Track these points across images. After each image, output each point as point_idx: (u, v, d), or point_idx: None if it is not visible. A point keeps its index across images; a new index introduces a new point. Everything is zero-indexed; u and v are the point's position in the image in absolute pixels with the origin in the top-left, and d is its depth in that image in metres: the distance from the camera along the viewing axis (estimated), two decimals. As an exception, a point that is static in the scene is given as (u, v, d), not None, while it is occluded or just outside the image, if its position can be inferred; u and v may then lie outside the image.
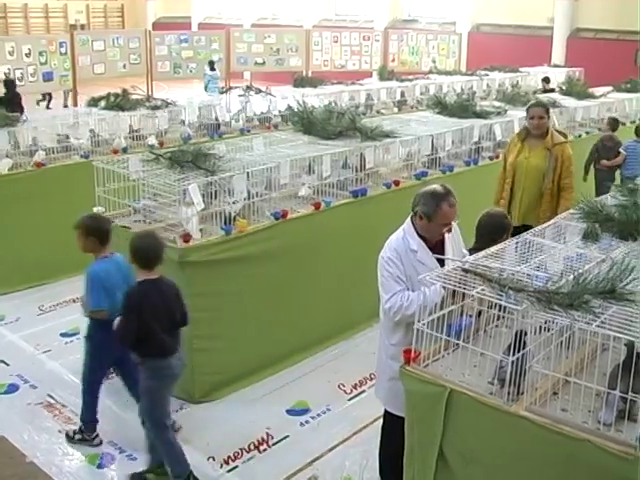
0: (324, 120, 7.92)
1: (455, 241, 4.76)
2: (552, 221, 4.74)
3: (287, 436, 5.75)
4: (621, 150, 11.16)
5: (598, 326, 3.25)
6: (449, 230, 4.63)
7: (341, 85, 14.04)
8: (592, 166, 11.24)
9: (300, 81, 13.87)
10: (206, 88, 20.37)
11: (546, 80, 17.76)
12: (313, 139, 7.62)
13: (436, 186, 4.66)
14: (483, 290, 3.54)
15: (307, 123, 7.91)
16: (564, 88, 14.13)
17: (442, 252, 4.59)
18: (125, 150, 9.07)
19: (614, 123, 11.68)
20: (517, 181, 7.37)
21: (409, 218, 4.69)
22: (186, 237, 5.79)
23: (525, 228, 6.02)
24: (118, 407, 6.03)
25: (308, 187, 6.91)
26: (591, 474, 3.28)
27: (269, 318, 6.50)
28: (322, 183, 7.05)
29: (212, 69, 20.97)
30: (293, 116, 8.65)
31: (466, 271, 3.65)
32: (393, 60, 24.65)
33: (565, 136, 7.72)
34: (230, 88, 12.86)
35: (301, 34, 24.88)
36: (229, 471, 5.38)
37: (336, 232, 6.88)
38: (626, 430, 3.26)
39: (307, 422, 5.95)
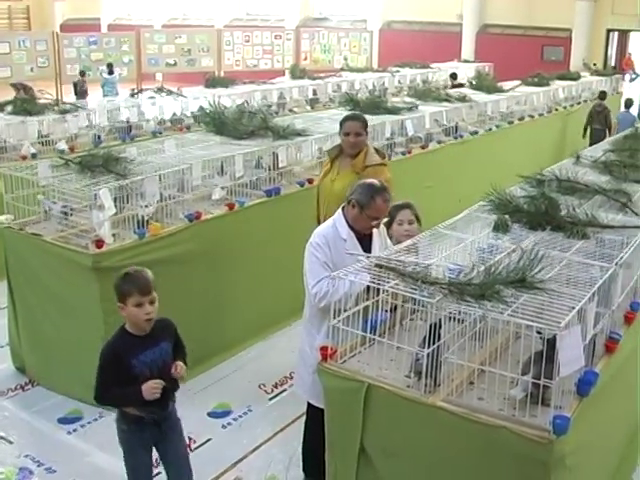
0: (236, 120, 7.89)
1: (383, 240, 4.81)
2: (463, 214, 4.81)
3: (209, 439, 5.69)
4: (614, 119, 15.13)
5: (510, 315, 3.31)
6: (377, 225, 4.69)
7: (253, 85, 14.00)
8: (589, 127, 15.10)
9: (212, 81, 13.78)
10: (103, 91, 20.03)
11: (453, 76, 18.05)
12: (225, 139, 7.56)
13: (375, 180, 4.75)
14: (397, 284, 3.57)
15: (219, 123, 7.86)
16: (474, 83, 14.42)
17: (370, 246, 4.66)
18: (34, 156, 8.84)
19: (602, 94, 15.84)
20: (321, 207, 6.28)
21: (340, 208, 4.75)
22: (99, 243, 5.68)
23: None
24: (32, 418, 5.89)
25: (221, 189, 6.85)
26: (509, 459, 3.36)
27: (186, 321, 6.38)
28: (235, 183, 7.00)
29: (110, 72, 20.52)
30: (205, 117, 8.58)
31: (379, 266, 3.67)
32: (305, 58, 24.70)
33: (383, 156, 6.49)
34: (141, 90, 12.70)
35: (212, 34, 24.70)
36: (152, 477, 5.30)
37: (251, 232, 6.85)
38: (540, 415, 3.34)
39: (229, 424, 5.90)
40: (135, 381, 4.08)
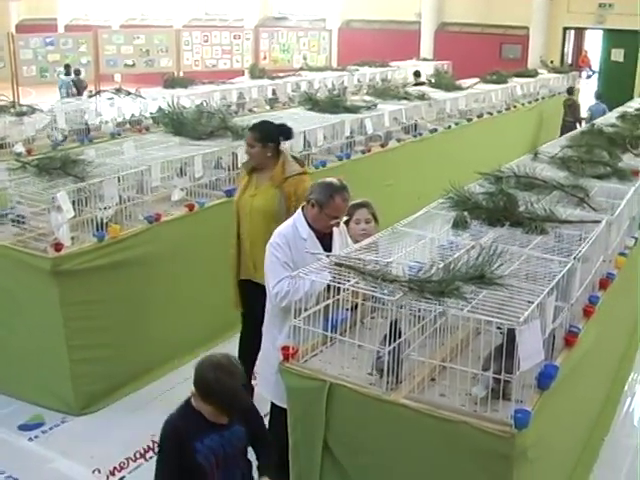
0: (195, 121, 7.85)
1: (343, 239, 4.81)
2: (422, 211, 4.83)
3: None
4: (587, 110, 16.44)
5: (470, 311, 3.33)
6: (337, 224, 4.69)
7: (212, 85, 13.92)
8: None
9: (171, 82, 13.68)
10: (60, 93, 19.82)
11: (417, 74, 18.12)
12: (184, 140, 7.51)
13: (334, 179, 4.74)
14: (357, 283, 3.57)
15: (178, 124, 7.81)
16: (433, 81, 14.49)
17: (330, 245, 4.66)
18: (-10, 159, 8.71)
19: (570, 89, 17.44)
20: (242, 226, 5.87)
21: (300, 207, 4.75)
22: (57, 246, 5.62)
23: (255, 284, 5.58)
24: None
25: (180, 190, 6.81)
26: (472, 454, 3.38)
27: (148, 322, 6.39)
28: (195, 184, 6.97)
29: (67, 74, 20.30)
30: (164, 118, 8.51)
31: (340, 265, 3.67)
32: (264, 58, 24.62)
33: (302, 164, 6.03)
34: (99, 91, 12.57)
35: (171, 34, 24.50)
36: None
37: (211, 233, 6.80)
38: (501, 409, 3.37)
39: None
40: (197, 472, 3.51)
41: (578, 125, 15.46)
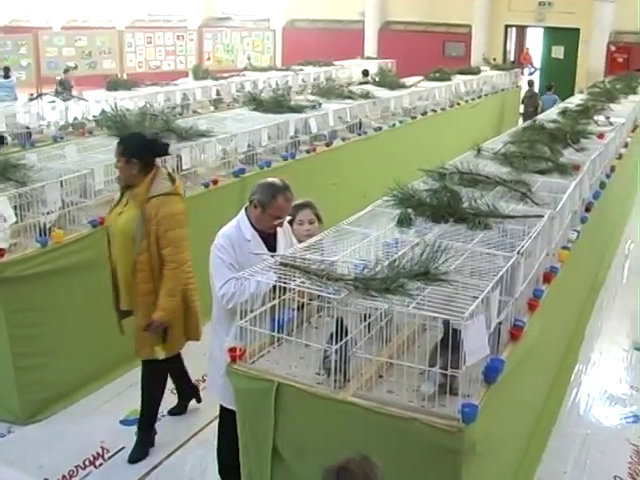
0: (138, 123, 7.79)
1: (288, 238, 4.80)
2: (367, 209, 4.83)
3: (123, 447, 5.59)
4: (540, 101, 18.29)
5: (415, 308, 3.34)
6: (280, 224, 4.68)
7: (156, 86, 13.81)
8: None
9: (114, 84, 13.54)
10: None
11: (365, 72, 18.18)
12: (127, 143, 7.43)
13: (275, 179, 4.72)
14: (303, 282, 3.57)
15: (121, 127, 7.72)
16: (377, 79, 14.57)
17: (275, 246, 4.65)
18: None
19: (531, 82, 19.61)
20: (112, 248, 5.41)
21: (244, 208, 4.72)
22: (0, 252, 5.53)
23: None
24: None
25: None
26: (421, 449, 3.39)
27: (94, 328, 6.30)
28: (139, 187, 6.89)
29: (6, 77, 19.93)
30: (107, 120, 8.42)
31: (285, 265, 3.67)
32: (209, 59, 24.53)
33: (174, 181, 5.31)
34: (40, 94, 12.40)
35: (114, 36, 24.28)
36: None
37: (157, 235, 6.75)
38: (449, 404, 3.39)
39: (142, 431, 5.82)
40: None
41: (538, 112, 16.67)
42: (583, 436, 5.83)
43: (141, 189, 5.13)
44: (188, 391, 6.11)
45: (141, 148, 5.27)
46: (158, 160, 5.43)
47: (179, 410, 6.08)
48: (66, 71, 20.11)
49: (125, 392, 6.31)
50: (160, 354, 5.33)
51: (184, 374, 6.01)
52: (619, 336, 7.66)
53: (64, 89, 18.01)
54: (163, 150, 5.48)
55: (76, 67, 21.37)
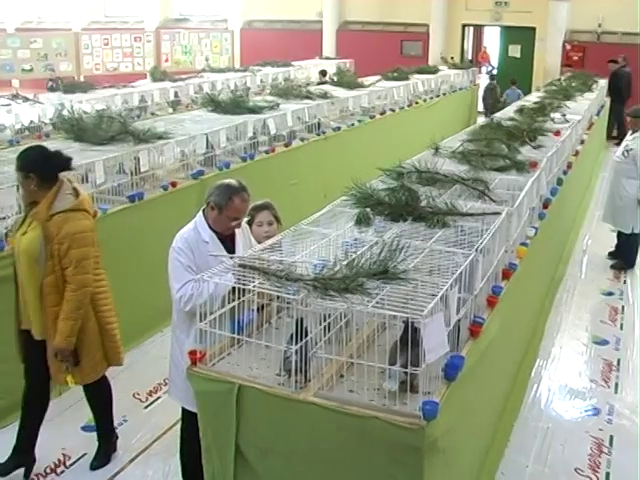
0: (95, 126, 7.72)
1: (246, 239, 4.79)
2: (325, 209, 4.83)
3: (85, 454, 5.53)
4: (504, 95, 19.69)
5: (374, 306, 3.35)
6: (238, 225, 4.67)
7: (113, 89, 13.69)
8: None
9: (70, 86, 13.38)
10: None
11: (322, 73, 18.19)
12: (85, 146, 7.37)
13: (232, 180, 4.71)
14: (262, 283, 3.56)
15: (77, 130, 7.66)
16: (335, 79, 14.59)
17: (233, 247, 4.64)
18: None
19: (492, 76, 21.56)
20: (18, 270, 4.97)
21: (201, 210, 4.70)
22: (-47, 258, 5.44)
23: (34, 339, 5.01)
24: None
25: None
26: (383, 448, 3.40)
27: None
28: (97, 190, 6.84)
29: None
30: (63, 124, 8.33)
31: (243, 266, 3.65)
32: (167, 60, 24.36)
33: (77, 195, 4.92)
34: (-6, 97, 12.23)
35: (70, 37, 23.98)
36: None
37: (115, 239, 6.67)
38: (410, 402, 3.40)
39: (104, 436, 5.76)
40: None
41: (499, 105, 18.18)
42: (544, 430, 5.89)
43: (42, 206, 4.77)
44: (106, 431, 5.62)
45: (39, 162, 4.86)
46: (65, 174, 5.01)
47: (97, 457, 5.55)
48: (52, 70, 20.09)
49: (84, 398, 6.23)
50: (71, 382, 5.05)
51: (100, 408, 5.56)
52: (578, 330, 7.76)
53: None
54: (65, 164, 4.96)
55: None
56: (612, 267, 9.66)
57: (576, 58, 21.56)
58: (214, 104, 9.87)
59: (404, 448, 3.35)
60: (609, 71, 19.24)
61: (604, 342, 7.49)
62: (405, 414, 3.34)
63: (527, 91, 18.48)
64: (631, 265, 9.62)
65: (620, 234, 9.84)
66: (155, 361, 6.62)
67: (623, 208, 9.59)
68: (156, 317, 6.86)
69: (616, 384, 6.66)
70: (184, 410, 4.77)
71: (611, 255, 9.95)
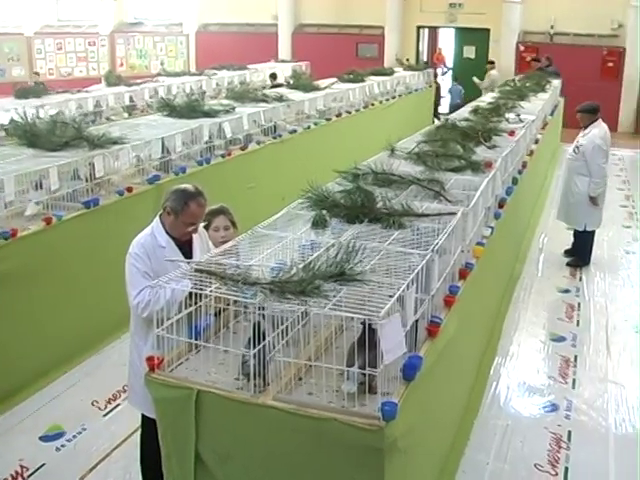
0: (49, 131, 7.62)
1: (204, 244, 4.77)
2: (281, 212, 4.83)
3: (43, 464, 5.46)
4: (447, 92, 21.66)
5: (331, 309, 3.35)
6: (195, 230, 4.65)
7: (67, 94, 13.52)
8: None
9: (23, 92, 13.20)
10: None
11: (273, 76, 18.18)
12: (39, 152, 7.27)
13: (188, 185, 4.68)
14: (219, 288, 3.55)
15: (31, 136, 7.55)
16: (291, 82, 14.58)
17: (191, 252, 4.62)
18: None
19: (435, 75, 21.14)
20: None
21: (158, 216, 4.67)
22: None
23: None
24: None
25: (35, 203, 6.60)
26: (343, 450, 3.40)
27: (9, 343, 6.16)
28: (51, 197, 6.76)
29: None
30: (16, 129, 8.21)
31: (200, 271, 3.64)
32: (121, 65, 24.22)
33: None
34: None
35: (22, 42, 23.71)
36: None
37: (71, 245, 6.65)
38: (369, 403, 3.41)
39: (63, 446, 5.68)
40: None
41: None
42: (504, 427, 5.95)
43: None
44: None
45: None
46: None
47: None
48: (37, 73, 19.97)
49: (43, 407, 6.19)
50: None
51: None
52: (536, 328, 7.84)
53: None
54: None
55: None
56: (568, 265, 9.78)
57: (529, 59, 21.83)
58: (169, 108, 9.80)
59: (364, 449, 3.35)
60: (532, 69, 19.69)
61: (561, 339, 7.57)
62: (364, 415, 3.34)
63: (481, 92, 18.61)
64: (586, 262, 9.76)
65: (576, 232, 9.97)
66: (114, 368, 6.55)
67: (575, 205, 9.74)
68: (114, 323, 6.80)
69: (573, 380, 6.74)
70: (143, 417, 4.74)
71: (567, 253, 10.07)
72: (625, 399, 6.41)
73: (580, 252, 9.87)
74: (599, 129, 9.60)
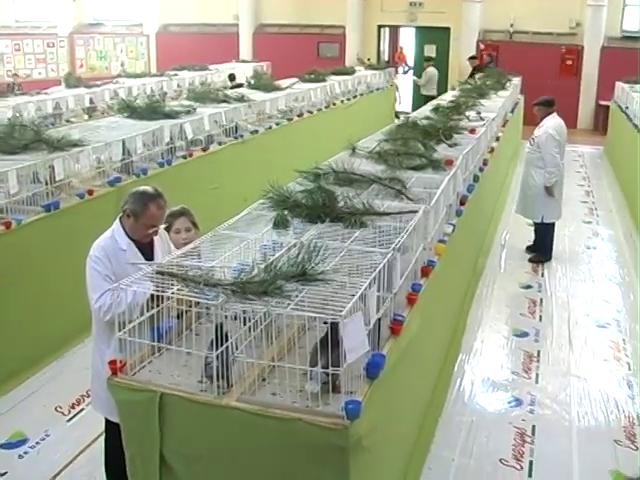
0: (7, 134, 7.53)
1: (165, 246, 4.75)
2: (243, 213, 4.82)
3: (5, 472, 5.38)
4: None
5: (293, 309, 3.35)
6: (155, 233, 4.62)
7: (26, 96, 13.37)
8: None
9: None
10: None
11: (231, 77, 18.12)
12: (-3, 155, 7.20)
13: (148, 187, 4.66)
14: (180, 290, 3.53)
15: (-13, 139, 7.47)
16: (252, 82, 14.56)
17: (152, 254, 4.59)
18: None
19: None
20: None
21: (118, 218, 4.64)
22: None
23: None
24: None
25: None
26: (308, 449, 3.40)
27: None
28: (11, 200, 6.68)
29: None
30: (-27, 133, 8.12)
31: (161, 273, 3.62)
32: (81, 66, 23.98)
33: None
34: None
35: (-22, 43, 23.41)
36: None
37: (32, 249, 6.57)
38: (333, 402, 3.41)
39: (26, 453, 5.61)
40: None
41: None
42: (469, 423, 5.99)
43: None
44: None
45: None
46: None
47: None
48: (15, 75, 19.76)
49: (5, 414, 6.10)
50: None
51: None
52: (499, 324, 7.91)
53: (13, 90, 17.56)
54: None
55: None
56: (530, 261, 9.88)
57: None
58: (130, 110, 9.74)
59: (329, 448, 3.36)
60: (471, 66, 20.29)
61: (524, 334, 7.64)
62: (328, 414, 3.35)
63: (443, 90, 18.74)
64: (547, 258, 9.86)
65: (536, 226, 10.09)
66: (77, 373, 6.49)
67: (532, 197, 9.90)
68: (77, 327, 6.72)
69: (537, 375, 6.81)
70: (107, 421, 4.70)
71: (529, 249, 10.17)
72: (587, 392, 6.49)
73: (540, 247, 9.98)
74: (554, 121, 9.79)
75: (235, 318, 3.64)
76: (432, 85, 20.29)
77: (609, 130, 18.60)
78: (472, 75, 18.82)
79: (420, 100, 19.43)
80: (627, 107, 15.28)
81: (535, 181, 9.79)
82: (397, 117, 19.10)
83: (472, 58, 20.69)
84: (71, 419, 6.07)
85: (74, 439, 5.76)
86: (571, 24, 21.58)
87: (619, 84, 17.46)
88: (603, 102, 20.47)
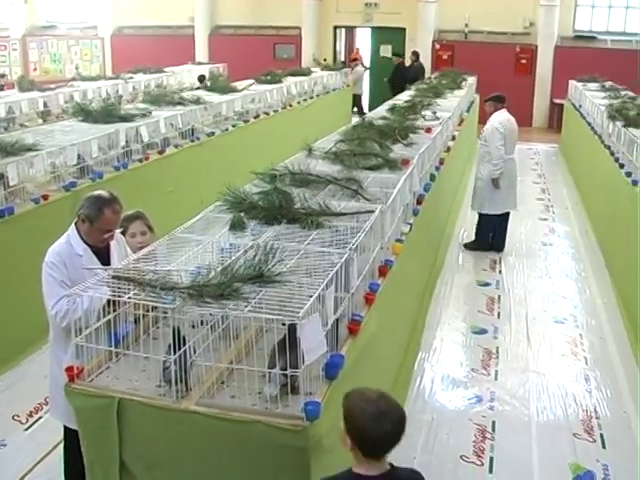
0: (-44, 140, 7.43)
1: (122, 250, 4.71)
2: (199, 215, 4.80)
3: (-37, 482, 5.34)
4: None
5: (250, 311, 3.35)
6: (111, 237, 4.59)
7: (-22, 100, 13.18)
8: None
9: None
10: None
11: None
12: (-57, 162, 7.09)
13: (103, 191, 4.61)
14: (137, 294, 3.51)
15: (-64, 144, 7.35)
16: (208, 84, 14.51)
17: (108, 259, 4.56)
18: None
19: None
20: None
21: (73, 223, 4.59)
22: None
23: None
24: None
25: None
26: (268, 451, 3.40)
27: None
28: (-37, 208, 6.61)
29: None
30: None
31: (117, 278, 3.60)
32: (35, 69, 23.68)
33: None
34: None
35: None
36: None
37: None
38: (292, 404, 3.42)
39: (-18, 464, 5.55)
40: None
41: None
42: (429, 421, 6.02)
43: None
44: None
45: None
46: None
47: None
48: (3, 75, 19.40)
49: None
50: None
51: None
52: (457, 321, 7.97)
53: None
54: None
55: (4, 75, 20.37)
56: (465, 247, 10.30)
57: (445, 57, 22.21)
58: (85, 113, 9.65)
59: (289, 450, 3.36)
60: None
61: (483, 331, 7.72)
62: (288, 416, 3.36)
63: (398, 90, 18.81)
64: (484, 248, 10.17)
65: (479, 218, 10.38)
66: (35, 380, 6.40)
67: (478, 189, 10.25)
68: (34, 335, 6.64)
69: (496, 371, 6.87)
70: (66, 428, 4.66)
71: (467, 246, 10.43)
72: (546, 387, 6.57)
73: (477, 235, 10.31)
74: (501, 116, 10.06)
75: (193, 324, 3.63)
76: (359, 83, 21.29)
77: (563, 128, 18.84)
78: (394, 75, 19.79)
79: (378, 101, 19.48)
80: (580, 105, 15.51)
81: (481, 174, 10.16)
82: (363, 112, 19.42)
83: (396, 55, 21.07)
84: (29, 427, 5.98)
85: (32, 448, 5.68)
86: (525, 24, 21.84)
87: (573, 83, 17.71)
88: (557, 100, 20.72)
